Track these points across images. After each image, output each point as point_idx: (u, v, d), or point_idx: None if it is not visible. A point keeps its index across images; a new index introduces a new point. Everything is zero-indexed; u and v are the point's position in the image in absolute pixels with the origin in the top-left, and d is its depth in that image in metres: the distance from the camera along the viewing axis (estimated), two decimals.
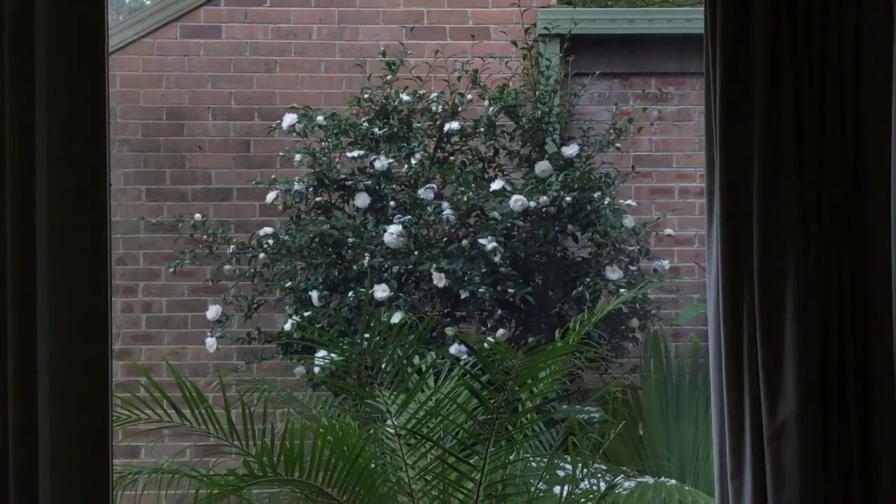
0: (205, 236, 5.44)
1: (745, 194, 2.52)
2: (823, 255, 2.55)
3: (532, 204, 5.17)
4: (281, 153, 5.57)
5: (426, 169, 5.35)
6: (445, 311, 5.25)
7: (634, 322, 5.31)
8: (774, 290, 2.51)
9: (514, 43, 5.54)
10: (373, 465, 3.72)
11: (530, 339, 4.84)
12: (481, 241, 5.16)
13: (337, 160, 5.36)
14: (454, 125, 5.37)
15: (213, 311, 5.43)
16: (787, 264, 2.51)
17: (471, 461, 3.66)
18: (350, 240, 5.21)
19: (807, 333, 2.51)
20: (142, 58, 5.84)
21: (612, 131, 5.42)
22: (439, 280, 5.12)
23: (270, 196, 5.42)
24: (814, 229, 2.55)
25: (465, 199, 5.20)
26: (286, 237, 5.30)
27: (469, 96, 5.43)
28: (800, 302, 2.51)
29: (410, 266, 5.18)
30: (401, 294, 5.14)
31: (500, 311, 5.17)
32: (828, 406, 2.54)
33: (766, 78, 2.52)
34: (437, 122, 5.42)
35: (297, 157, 5.38)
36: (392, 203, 5.30)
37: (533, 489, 3.82)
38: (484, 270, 5.15)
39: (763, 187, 2.51)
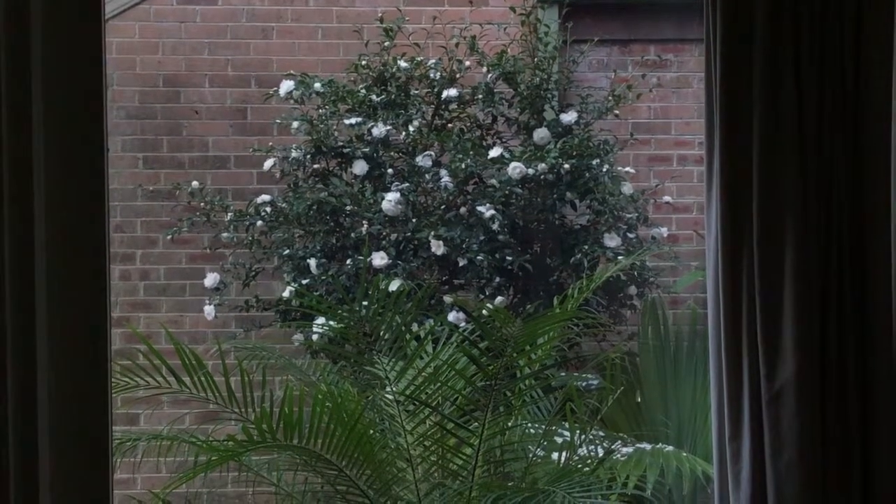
0: (202, 204, 5.43)
1: (745, 160, 2.53)
2: (823, 221, 2.56)
3: (530, 171, 5.17)
4: (278, 120, 5.55)
5: (424, 136, 5.33)
6: (444, 278, 5.25)
7: (632, 289, 5.31)
8: (774, 256, 2.52)
9: (513, 9, 5.52)
10: (371, 432, 3.73)
11: (528, 307, 4.84)
12: (479, 208, 5.16)
13: (334, 127, 5.35)
14: (452, 92, 5.35)
15: (210, 279, 5.44)
16: (787, 229, 2.51)
17: (469, 427, 3.68)
18: (348, 207, 5.20)
19: (806, 298, 2.52)
20: (138, 24, 5.81)
21: (610, 98, 5.41)
22: (437, 247, 5.12)
23: (268, 163, 5.41)
24: (813, 195, 2.55)
25: (463, 166, 5.19)
26: (284, 205, 5.30)
27: (467, 63, 5.41)
28: (799, 267, 2.51)
29: (408, 233, 5.18)
30: (399, 262, 5.14)
31: (498, 279, 5.17)
32: (826, 369, 2.55)
33: (767, 43, 2.51)
34: (435, 90, 5.40)
35: (295, 124, 5.37)
36: (390, 170, 5.29)
37: (531, 455, 3.84)
38: (482, 238, 5.15)
39: (763, 153, 2.51)
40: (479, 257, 5.11)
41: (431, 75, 5.40)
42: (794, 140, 2.53)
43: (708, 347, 2.69)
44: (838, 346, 2.56)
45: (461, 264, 5.16)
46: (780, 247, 2.52)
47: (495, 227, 5.15)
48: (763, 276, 2.53)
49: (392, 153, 5.36)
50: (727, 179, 2.54)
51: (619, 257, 5.09)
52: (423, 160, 5.28)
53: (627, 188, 5.37)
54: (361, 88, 5.40)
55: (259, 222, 5.33)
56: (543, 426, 3.87)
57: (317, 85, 5.37)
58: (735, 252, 2.55)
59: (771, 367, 2.51)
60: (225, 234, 5.42)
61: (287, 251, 5.32)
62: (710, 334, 2.65)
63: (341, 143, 5.34)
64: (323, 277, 5.15)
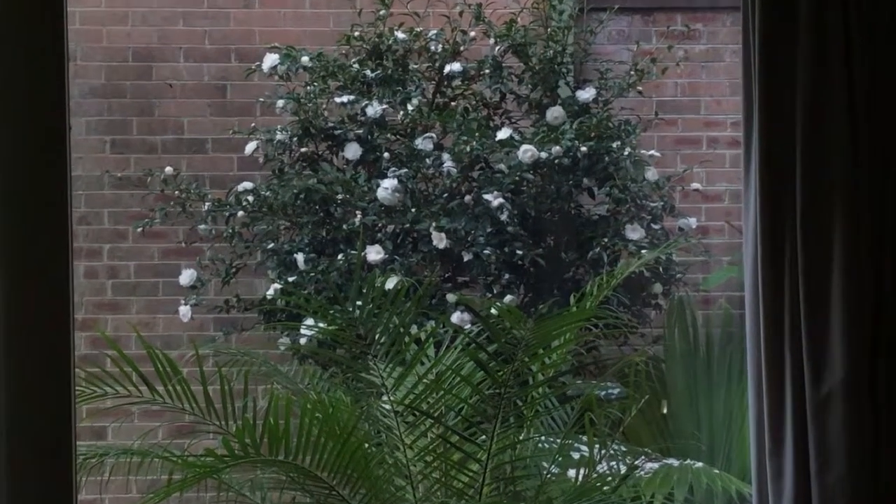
0: (177, 192, 5.43)
1: (787, 142, 2.52)
2: (876, 209, 2.55)
3: (543, 155, 5.17)
4: (261, 99, 5.55)
5: (424, 116, 5.33)
6: (446, 275, 5.26)
7: (657, 287, 5.32)
8: (820, 246, 2.51)
9: None
10: (367, 446, 3.74)
11: (541, 306, 4.83)
12: (486, 196, 5.16)
13: (324, 106, 5.35)
14: (455, 67, 5.35)
15: (186, 277, 5.44)
16: (835, 219, 2.51)
17: (476, 440, 3.68)
18: (339, 196, 5.20)
19: (856, 292, 2.51)
20: None
21: (632, 73, 5.41)
22: (439, 240, 5.12)
23: (250, 147, 5.41)
24: (865, 180, 2.54)
25: (467, 149, 5.19)
26: (268, 193, 5.30)
27: (472, 34, 5.41)
28: (849, 260, 2.51)
29: (407, 225, 5.19)
30: (396, 256, 5.15)
31: (507, 275, 5.18)
32: (878, 373, 2.54)
33: (813, 8, 2.50)
34: (437, 64, 5.40)
35: (280, 103, 5.37)
36: (386, 154, 5.29)
37: (545, 472, 3.84)
38: (489, 230, 5.16)
39: (807, 133, 2.50)
40: (485, 251, 5.11)
41: (432, 48, 5.40)
42: (843, 118, 2.51)
43: (743, 351, 2.68)
44: (892, 348, 2.55)
45: (466, 259, 5.16)
46: (828, 238, 2.51)
47: (504, 217, 5.14)
48: (808, 270, 2.52)
49: (388, 135, 5.36)
50: (767, 163, 2.52)
51: (643, 251, 5.09)
52: (423, 143, 5.28)
53: (652, 174, 5.37)
54: (354, 63, 5.40)
55: (240, 213, 5.33)
56: (559, 440, 3.87)
57: (304, 59, 5.37)
58: (776, 244, 2.54)
59: (817, 371, 2.50)
60: (202, 227, 5.42)
61: (271, 245, 5.32)
62: (748, 336, 2.64)
63: (332, 124, 5.34)
64: (311, 274, 5.15)
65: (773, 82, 2.51)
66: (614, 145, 5.27)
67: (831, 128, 2.53)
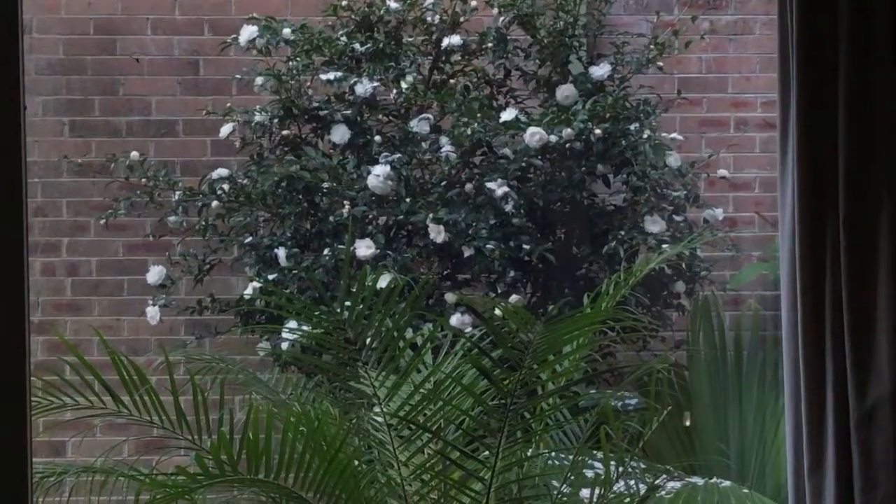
0: (143, 180, 5.44)
1: (829, 122, 2.51)
2: None
3: (552, 138, 5.17)
4: (238, 76, 5.55)
5: (420, 95, 5.34)
6: (445, 272, 5.27)
7: (680, 286, 5.33)
8: (865, 242, 2.51)
9: None
10: (357, 463, 3.75)
11: (551, 307, 4.84)
12: (489, 185, 5.17)
13: (308, 84, 5.36)
14: (455, 40, 5.36)
15: (154, 274, 5.44)
16: (883, 209, 2.51)
17: (479, 457, 3.68)
18: (325, 184, 5.21)
19: None
20: None
21: (652, 47, 5.41)
22: (437, 234, 5.13)
23: (225, 130, 5.42)
24: None
25: (468, 132, 5.20)
26: (245, 181, 5.31)
27: (473, 3, 5.42)
28: None
29: (401, 217, 5.19)
30: (389, 251, 5.16)
31: (512, 273, 5.19)
32: None
33: None
34: (434, 37, 5.41)
35: (259, 80, 5.38)
36: (377, 138, 5.30)
37: (555, 492, 3.85)
38: (493, 222, 5.17)
39: (851, 113, 2.50)
40: (488, 246, 5.12)
41: (429, 19, 5.41)
42: (891, 97, 2.51)
43: (777, 357, 2.69)
44: None
45: (467, 254, 5.17)
46: (874, 231, 2.52)
47: (509, 208, 5.15)
48: (852, 267, 2.52)
49: (380, 116, 5.37)
50: (806, 149, 2.53)
51: (664, 246, 5.10)
52: (418, 125, 5.28)
53: (674, 160, 5.38)
54: (341, 35, 5.41)
55: (214, 203, 5.33)
56: (571, 456, 3.88)
57: (286, 31, 5.38)
58: (816, 239, 2.54)
59: (861, 380, 2.51)
60: (172, 218, 5.43)
61: (249, 239, 5.33)
62: (784, 340, 2.64)
63: (316, 104, 5.34)
64: (294, 271, 5.16)
65: (813, 57, 2.51)
66: (632, 127, 5.28)
67: (878, 108, 2.53)
